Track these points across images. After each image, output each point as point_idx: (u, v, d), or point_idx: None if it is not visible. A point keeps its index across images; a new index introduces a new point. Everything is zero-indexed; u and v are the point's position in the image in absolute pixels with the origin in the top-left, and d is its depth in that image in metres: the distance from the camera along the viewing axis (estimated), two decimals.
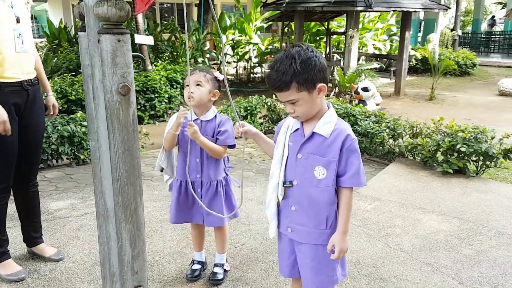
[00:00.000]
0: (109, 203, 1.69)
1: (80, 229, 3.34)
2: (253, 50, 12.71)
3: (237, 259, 2.91)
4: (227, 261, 2.72)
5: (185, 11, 1.93)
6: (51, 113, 2.87)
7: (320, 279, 1.85)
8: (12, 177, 2.62)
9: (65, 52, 10.62)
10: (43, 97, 2.84)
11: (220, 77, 2.38)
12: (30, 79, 2.59)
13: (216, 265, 2.66)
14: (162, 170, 2.50)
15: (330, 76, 10.27)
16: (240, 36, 12.78)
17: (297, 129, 1.85)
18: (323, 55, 1.80)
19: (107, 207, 1.70)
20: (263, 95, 6.88)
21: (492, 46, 21.24)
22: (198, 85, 2.35)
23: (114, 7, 1.44)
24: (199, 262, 2.70)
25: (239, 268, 2.80)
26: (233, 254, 2.96)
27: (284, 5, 10.30)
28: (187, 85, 2.34)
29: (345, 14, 10.73)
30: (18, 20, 2.49)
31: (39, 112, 2.70)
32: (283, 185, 1.86)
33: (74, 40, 12.55)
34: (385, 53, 14.06)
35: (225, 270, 2.67)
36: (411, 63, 13.19)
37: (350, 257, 2.95)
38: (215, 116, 2.43)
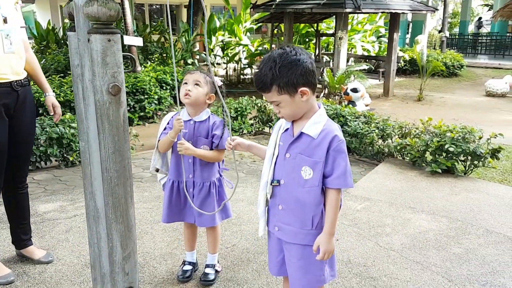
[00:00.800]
0: (100, 204, 1.68)
1: (69, 231, 3.31)
2: (243, 51, 12.72)
3: (228, 259, 2.91)
4: (218, 262, 2.72)
5: (168, 9, 1.92)
6: (52, 113, 2.83)
7: (307, 279, 1.85)
8: (2, 179, 2.59)
9: (53, 54, 10.55)
10: (43, 96, 2.80)
11: (219, 83, 2.38)
12: (20, 80, 2.56)
13: (207, 266, 2.65)
14: (157, 170, 2.50)
15: (320, 77, 10.32)
16: (230, 37, 12.78)
17: (287, 129, 1.86)
18: (312, 57, 1.80)
19: (97, 208, 1.69)
20: (253, 96, 6.88)
21: (479, 48, 21.46)
22: (196, 84, 2.35)
23: (104, 6, 1.43)
24: (190, 263, 2.69)
25: (231, 269, 2.80)
26: (224, 254, 2.96)
27: (273, 6, 10.34)
28: (185, 83, 2.34)
29: (334, 16, 10.79)
30: (5, 21, 2.47)
31: (29, 114, 2.67)
32: (271, 184, 1.87)
33: (62, 41, 12.46)
34: (374, 55, 14.15)
35: (216, 271, 2.67)
36: (399, 64, 13.28)
37: (341, 256, 2.96)
38: (209, 117, 2.43)
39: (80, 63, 1.58)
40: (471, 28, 26.30)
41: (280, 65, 1.70)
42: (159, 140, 2.44)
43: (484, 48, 21.31)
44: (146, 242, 3.15)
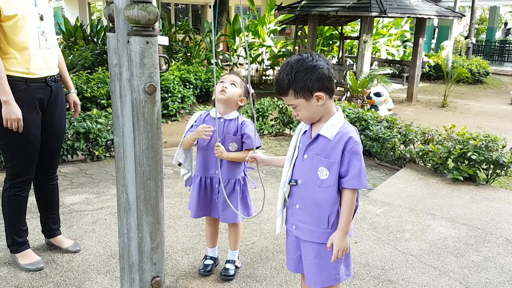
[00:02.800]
0: (131, 197, 1.76)
1: (96, 222, 3.43)
2: (266, 52, 12.79)
3: (248, 256, 2.98)
4: (238, 258, 2.80)
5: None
6: (72, 110, 2.96)
7: (322, 276, 1.92)
8: (34, 170, 2.72)
9: (80, 50, 10.78)
10: (66, 93, 2.93)
11: (251, 90, 2.47)
12: (54, 75, 2.68)
13: (228, 261, 2.73)
14: (180, 164, 2.58)
15: (342, 80, 10.31)
16: (254, 38, 12.86)
17: (305, 131, 1.95)
18: (330, 63, 1.88)
19: (129, 200, 1.78)
20: (274, 98, 6.94)
21: (506, 55, 21.08)
22: (233, 84, 2.46)
23: (144, 10, 1.51)
24: (211, 258, 2.77)
25: (250, 266, 2.87)
26: (244, 251, 3.03)
27: (298, 8, 10.38)
28: (222, 81, 2.43)
29: (359, 19, 10.77)
30: (41, 18, 2.59)
31: (61, 108, 2.79)
32: (288, 183, 1.95)
33: (89, 38, 12.73)
34: (398, 59, 14.05)
35: (236, 267, 2.75)
36: (424, 69, 13.17)
37: (359, 259, 3.00)
38: (238, 117, 2.52)
39: (118, 62, 1.66)
40: (498, 35, 25.81)
41: (296, 70, 1.79)
42: (184, 137, 2.53)
43: (511, 56, 20.92)
44: (169, 236, 3.24)
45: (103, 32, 12.41)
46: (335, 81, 1.87)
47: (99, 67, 8.97)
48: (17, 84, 2.48)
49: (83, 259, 2.89)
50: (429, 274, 2.84)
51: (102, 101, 7.43)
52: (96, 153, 5.22)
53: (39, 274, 2.70)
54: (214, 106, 2.53)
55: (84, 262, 2.85)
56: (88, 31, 13.38)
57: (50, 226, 2.95)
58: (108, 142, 5.27)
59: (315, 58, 1.82)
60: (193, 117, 2.57)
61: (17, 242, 2.74)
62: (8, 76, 2.43)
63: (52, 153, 2.82)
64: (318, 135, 1.86)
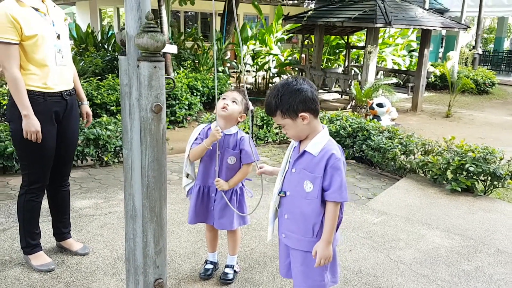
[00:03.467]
0: (138, 205, 1.94)
1: (104, 227, 3.61)
2: (273, 60, 12.98)
3: (246, 261, 3.14)
4: (237, 263, 2.96)
5: (214, 22, 2.16)
6: (85, 120, 3.15)
7: (307, 283, 2.09)
8: (48, 178, 2.90)
9: (91, 56, 11.03)
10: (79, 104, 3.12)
11: (251, 107, 2.65)
12: (69, 90, 2.87)
13: (227, 266, 2.89)
14: (187, 175, 2.76)
15: (348, 89, 10.46)
16: (261, 46, 13.06)
17: (295, 147, 2.14)
18: (314, 86, 2.08)
19: (135, 208, 1.95)
20: None
21: None
22: (234, 101, 2.63)
23: (152, 39, 1.69)
24: (211, 263, 2.94)
25: (248, 270, 3.03)
26: (243, 257, 3.19)
27: (305, 18, 10.56)
28: (224, 98, 2.60)
29: (365, 29, 10.93)
30: (58, 37, 2.78)
31: (75, 120, 2.98)
32: (278, 194, 2.14)
33: (100, 45, 13.00)
34: (404, 69, 14.17)
35: (235, 271, 2.91)
36: (429, 79, 13.27)
37: (353, 266, 3.15)
38: (237, 132, 2.69)
39: (128, 83, 1.84)
40: (506, 44, 25.80)
41: (282, 93, 2.00)
42: (190, 149, 2.69)
43: None
44: (172, 241, 3.41)
45: (113, 39, 12.68)
46: (318, 102, 2.05)
47: (110, 74, 9.19)
48: (36, 98, 2.67)
49: (92, 261, 3.06)
50: (418, 282, 2.98)
51: (112, 108, 7.63)
52: (105, 159, 5.41)
53: (50, 275, 2.88)
54: (216, 120, 2.70)
55: (92, 264, 3.02)
56: (99, 37, 13.65)
57: (61, 229, 3.13)
58: (116, 148, 5.45)
59: (299, 82, 2.01)
60: (195, 131, 2.74)
61: (30, 244, 2.93)
62: (27, 90, 2.63)
63: (65, 161, 3.00)
64: (304, 151, 2.05)
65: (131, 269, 2.07)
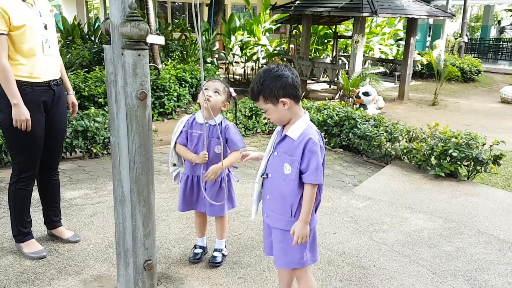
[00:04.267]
0: (126, 190, 2.00)
1: (94, 215, 3.67)
2: (261, 51, 13.01)
3: (234, 246, 3.23)
4: (225, 247, 3.04)
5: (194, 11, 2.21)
6: (70, 110, 3.20)
7: (286, 259, 2.20)
8: (38, 167, 2.95)
9: (78, 49, 10.94)
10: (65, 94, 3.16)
11: (233, 94, 2.71)
12: (56, 79, 2.91)
13: (215, 250, 2.98)
14: (174, 165, 2.83)
15: (335, 79, 10.54)
16: (249, 37, 13.08)
17: (279, 131, 2.24)
18: (295, 73, 2.16)
19: (124, 193, 2.02)
20: None
21: (500, 53, 21.33)
22: (216, 92, 2.69)
23: (135, 27, 1.75)
24: (200, 247, 3.02)
25: (236, 254, 3.12)
26: (231, 241, 3.28)
27: (292, 8, 10.59)
28: (206, 89, 2.66)
29: (352, 18, 11.00)
30: (45, 27, 2.82)
31: (62, 109, 3.03)
32: (261, 176, 2.24)
33: (87, 37, 12.89)
34: (391, 58, 14.28)
35: (223, 255, 3.00)
36: (416, 68, 13.39)
37: (337, 247, 3.25)
38: (221, 121, 2.75)
39: (114, 71, 1.90)
40: (493, 33, 26.05)
41: (264, 79, 2.10)
42: (176, 142, 2.76)
43: (506, 53, 21.15)
44: (162, 228, 3.48)
45: (100, 30, 12.59)
46: (300, 89, 2.13)
47: (97, 66, 9.16)
48: (24, 88, 2.71)
49: (83, 248, 3.13)
50: (399, 261, 3.09)
51: (100, 100, 7.62)
52: (94, 151, 5.44)
53: (42, 262, 2.94)
54: (200, 109, 2.76)
55: (84, 251, 3.09)
56: (86, 29, 13.54)
57: (52, 218, 3.19)
58: (105, 140, 5.48)
59: (281, 68, 2.10)
60: (180, 123, 2.80)
61: (22, 232, 2.98)
62: (16, 80, 2.66)
63: (54, 150, 3.05)
64: (285, 135, 2.15)
65: (121, 252, 2.14)
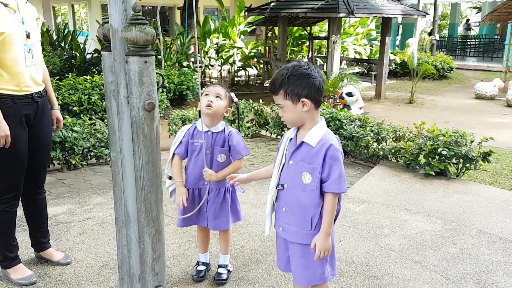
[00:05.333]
0: (131, 209, 1.82)
1: (83, 233, 3.44)
2: (237, 54, 12.87)
3: (238, 260, 3.06)
4: (230, 262, 2.87)
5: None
6: (55, 126, 2.98)
7: (307, 275, 2.05)
8: (22, 186, 2.72)
9: (48, 56, 10.56)
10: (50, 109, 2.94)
11: (235, 99, 2.55)
12: (40, 91, 2.69)
13: (220, 266, 2.80)
14: (170, 178, 2.64)
15: None
16: (224, 40, 12.91)
17: (291, 138, 2.08)
18: (323, 77, 2.03)
19: (128, 213, 1.84)
20: (249, 99, 7.02)
21: (468, 50, 21.82)
22: (218, 97, 2.51)
23: (142, 32, 1.58)
24: (203, 264, 2.83)
25: (241, 269, 2.95)
26: (234, 255, 3.11)
27: (268, 10, 10.49)
28: (207, 94, 2.49)
29: (327, 19, 10.98)
30: (28, 36, 2.59)
31: (47, 122, 2.80)
32: (276, 188, 2.07)
33: (56, 43, 12.47)
34: (366, 57, 14.38)
35: (229, 271, 2.82)
36: (390, 67, 13.52)
37: (344, 256, 3.13)
38: (224, 128, 2.59)
39: (115, 81, 1.72)
40: (460, 30, 26.68)
41: (291, 74, 1.94)
42: (174, 154, 2.58)
43: (473, 50, 21.67)
44: None
45: (70, 37, 12.19)
46: (323, 95, 2.00)
47: (69, 73, 8.84)
48: (4, 101, 2.49)
49: (75, 271, 2.90)
50: (411, 268, 3.00)
51: (74, 108, 7.33)
52: (73, 162, 5.18)
53: None
54: (200, 117, 2.59)
55: (77, 274, 2.86)
56: (55, 36, 13.10)
57: (40, 239, 2.95)
58: (84, 150, 5.24)
59: (311, 68, 1.96)
60: (180, 133, 2.61)
61: (8, 257, 2.73)
62: None
63: (39, 167, 2.82)
64: (302, 142, 2.00)
65: (125, 277, 1.96)
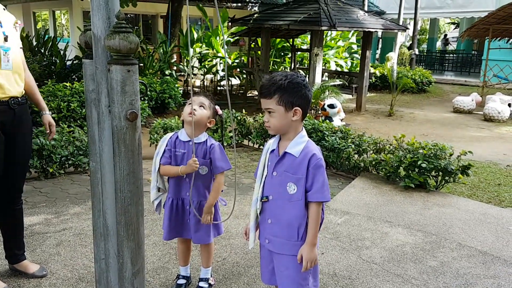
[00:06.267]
0: (110, 222, 1.77)
1: (60, 245, 3.34)
2: (220, 63, 12.86)
3: (220, 273, 3.01)
4: (211, 275, 2.82)
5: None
6: (48, 131, 2.90)
7: (293, 287, 2.01)
8: None
9: (27, 62, 10.38)
10: (40, 115, 2.86)
11: (220, 111, 2.52)
12: (17, 97, 2.61)
13: (201, 279, 2.75)
14: (159, 189, 2.58)
15: None
16: (207, 49, 12.90)
17: (273, 150, 2.07)
18: (311, 92, 2.04)
19: (107, 226, 1.78)
20: (233, 110, 6.98)
21: (446, 64, 22.27)
22: (201, 106, 2.48)
23: (125, 40, 1.54)
24: (184, 277, 2.77)
25: (223, 282, 2.90)
26: (215, 268, 3.06)
27: (251, 21, 10.54)
28: (190, 103, 2.46)
29: (309, 32, 11.07)
30: (6, 39, 2.53)
31: (25, 131, 2.72)
32: (260, 200, 2.05)
33: (36, 49, 12.27)
34: (347, 70, 14.53)
35: (210, 284, 2.77)
36: (371, 80, 13.68)
37: (327, 269, 3.11)
38: (206, 140, 2.55)
39: (96, 89, 1.67)
40: (438, 44, 27.24)
41: (289, 81, 1.94)
42: (160, 164, 2.52)
43: (451, 65, 22.12)
44: None
45: (50, 43, 12.01)
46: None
47: (48, 79, 8.70)
48: None
49: (51, 283, 2.81)
50: (393, 282, 2.99)
51: (53, 115, 7.20)
52: (50, 170, 5.07)
53: None
54: (183, 127, 2.55)
55: (53, 287, 2.77)
56: (35, 42, 12.89)
57: (15, 251, 2.85)
58: (62, 159, 5.13)
59: (306, 81, 1.99)
60: (162, 142, 2.56)
61: None
62: None
63: (16, 177, 2.73)
64: (285, 153, 1.99)
65: None
